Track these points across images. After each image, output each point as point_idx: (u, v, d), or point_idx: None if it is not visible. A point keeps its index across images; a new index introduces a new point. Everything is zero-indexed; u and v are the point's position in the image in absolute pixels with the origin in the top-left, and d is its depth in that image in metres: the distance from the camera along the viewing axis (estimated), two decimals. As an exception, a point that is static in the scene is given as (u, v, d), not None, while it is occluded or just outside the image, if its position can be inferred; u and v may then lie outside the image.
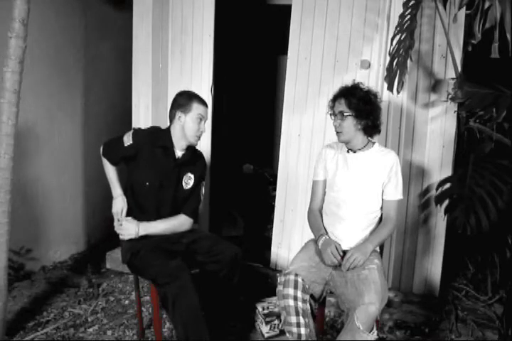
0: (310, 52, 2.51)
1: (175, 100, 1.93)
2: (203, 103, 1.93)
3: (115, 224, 1.92)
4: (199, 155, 2.07)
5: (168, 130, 1.94)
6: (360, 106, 1.74)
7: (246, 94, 4.24)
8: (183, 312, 1.65)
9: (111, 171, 1.97)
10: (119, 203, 1.92)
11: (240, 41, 3.93)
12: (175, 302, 1.64)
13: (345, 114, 1.76)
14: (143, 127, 2.01)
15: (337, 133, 1.81)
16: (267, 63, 4.23)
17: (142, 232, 1.87)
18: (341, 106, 1.77)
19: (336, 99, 1.81)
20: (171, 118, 1.93)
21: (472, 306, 2.38)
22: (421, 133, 2.36)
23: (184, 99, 1.90)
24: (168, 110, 1.96)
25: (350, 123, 1.76)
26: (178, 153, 1.95)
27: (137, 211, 1.94)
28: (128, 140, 1.89)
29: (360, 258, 1.66)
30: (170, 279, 1.65)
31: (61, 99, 2.80)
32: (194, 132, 1.90)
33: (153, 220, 1.91)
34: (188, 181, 1.99)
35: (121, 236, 1.89)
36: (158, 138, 1.91)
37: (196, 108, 1.89)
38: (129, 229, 1.86)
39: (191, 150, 1.99)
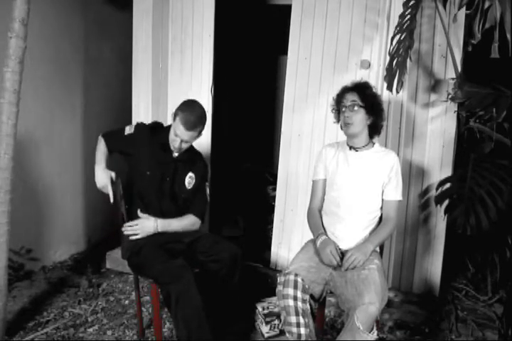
0: (310, 52, 2.51)
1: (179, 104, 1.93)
2: (187, 126, 1.81)
3: (124, 225, 1.91)
4: (197, 154, 2.08)
5: (169, 127, 1.95)
6: (372, 100, 1.76)
7: (246, 94, 4.23)
8: (186, 312, 1.66)
9: (101, 151, 1.95)
10: (102, 176, 1.89)
11: (240, 41, 3.93)
12: (178, 302, 1.65)
13: (359, 104, 1.75)
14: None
15: (346, 124, 1.79)
16: (267, 63, 4.23)
17: (160, 229, 1.89)
18: (353, 97, 1.77)
19: (346, 91, 1.81)
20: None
21: (472, 306, 2.37)
22: (421, 133, 2.35)
23: (177, 110, 1.87)
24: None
25: (361, 116, 1.76)
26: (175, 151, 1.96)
27: (141, 205, 1.95)
28: (129, 129, 1.94)
29: (360, 258, 1.66)
30: (173, 279, 1.66)
31: (61, 99, 2.80)
32: (171, 141, 1.90)
33: (156, 215, 1.92)
34: (190, 181, 2.00)
35: (134, 237, 1.88)
36: (157, 134, 1.94)
37: (176, 125, 1.84)
38: (147, 226, 1.87)
39: (189, 150, 1.99)
